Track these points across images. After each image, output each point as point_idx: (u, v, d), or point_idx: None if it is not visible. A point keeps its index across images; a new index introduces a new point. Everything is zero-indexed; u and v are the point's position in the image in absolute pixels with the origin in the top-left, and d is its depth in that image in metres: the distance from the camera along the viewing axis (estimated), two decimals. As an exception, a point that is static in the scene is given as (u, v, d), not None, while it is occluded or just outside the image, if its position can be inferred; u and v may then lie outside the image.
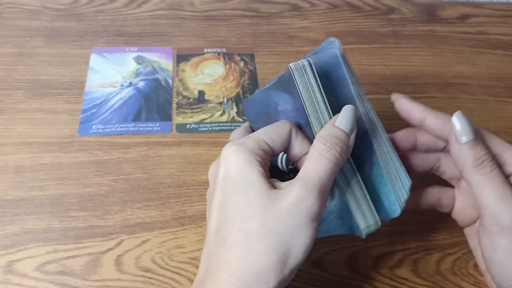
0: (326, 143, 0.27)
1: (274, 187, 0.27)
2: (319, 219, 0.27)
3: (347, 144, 0.28)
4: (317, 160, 0.27)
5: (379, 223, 0.31)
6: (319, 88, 0.30)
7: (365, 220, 0.31)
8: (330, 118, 0.30)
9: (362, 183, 0.31)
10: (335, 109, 0.30)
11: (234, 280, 0.25)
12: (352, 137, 0.29)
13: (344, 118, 0.29)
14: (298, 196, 0.26)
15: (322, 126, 0.30)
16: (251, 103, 0.34)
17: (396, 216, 0.31)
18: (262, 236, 0.25)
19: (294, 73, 0.29)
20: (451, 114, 0.31)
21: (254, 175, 0.27)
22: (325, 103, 0.30)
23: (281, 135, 0.30)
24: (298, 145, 0.30)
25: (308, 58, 0.30)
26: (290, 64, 0.29)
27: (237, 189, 0.27)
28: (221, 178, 0.28)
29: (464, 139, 0.29)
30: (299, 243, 0.26)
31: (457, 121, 0.30)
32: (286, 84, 0.31)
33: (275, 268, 0.25)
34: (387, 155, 0.31)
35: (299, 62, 0.30)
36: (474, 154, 0.29)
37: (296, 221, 0.25)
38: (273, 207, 0.26)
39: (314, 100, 0.30)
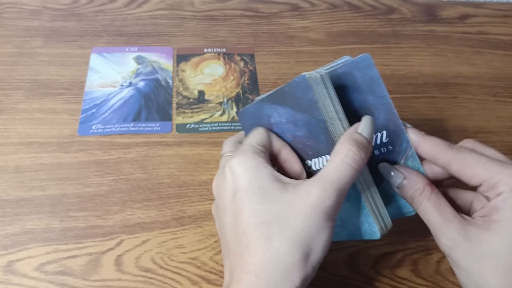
0: (351, 148, 0.27)
1: (284, 182, 0.28)
2: (335, 218, 0.27)
3: (368, 151, 0.28)
4: (340, 165, 0.27)
5: (390, 225, 0.32)
6: (336, 98, 0.30)
7: (379, 221, 0.31)
8: (347, 126, 0.30)
9: (375, 188, 0.31)
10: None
11: (261, 281, 0.25)
12: (371, 146, 0.29)
13: (366, 126, 0.29)
14: (316, 199, 0.26)
15: (341, 133, 0.30)
16: (244, 115, 0.35)
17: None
18: (284, 237, 0.26)
19: (310, 81, 0.29)
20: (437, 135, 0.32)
21: (265, 182, 0.28)
22: (343, 112, 0.30)
23: (263, 135, 0.31)
24: (276, 141, 0.32)
25: (322, 70, 0.31)
26: (304, 74, 0.29)
27: (251, 198, 0.27)
28: (233, 192, 0.28)
29: (396, 185, 0.31)
30: (318, 241, 0.27)
31: (384, 170, 0.32)
32: (283, 96, 0.31)
33: (298, 266, 0.26)
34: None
35: (313, 72, 0.30)
36: (407, 195, 0.31)
37: (315, 221, 0.26)
38: (292, 210, 0.26)
39: (333, 108, 0.30)
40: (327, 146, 0.30)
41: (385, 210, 0.31)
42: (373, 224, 0.31)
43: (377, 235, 0.31)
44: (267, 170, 0.28)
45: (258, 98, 0.35)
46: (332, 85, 0.30)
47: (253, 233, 0.27)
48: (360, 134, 0.29)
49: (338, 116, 0.30)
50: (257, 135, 0.31)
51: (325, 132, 0.30)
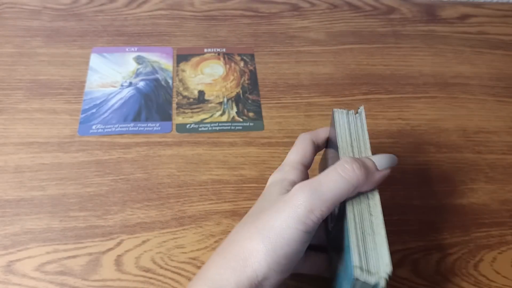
0: (352, 164, 0.28)
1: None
2: (311, 225, 0.27)
3: (370, 174, 0.28)
4: (334, 175, 0.28)
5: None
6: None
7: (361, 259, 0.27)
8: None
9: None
10: None
11: (220, 259, 0.29)
12: (382, 173, 0.29)
13: (383, 157, 0.30)
14: (294, 198, 0.28)
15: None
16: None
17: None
18: (253, 225, 0.29)
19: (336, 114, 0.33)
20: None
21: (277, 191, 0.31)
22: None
23: (306, 150, 0.34)
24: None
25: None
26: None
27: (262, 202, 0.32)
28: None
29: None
30: (283, 237, 0.27)
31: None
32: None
33: (258, 253, 0.27)
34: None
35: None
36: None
37: (285, 218, 0.27)
38: (273, 203, 0.29)
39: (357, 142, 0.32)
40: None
41: None
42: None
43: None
44: (290, 184, 0.31)
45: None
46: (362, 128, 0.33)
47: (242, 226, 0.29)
48: (368, 158, 0.30)
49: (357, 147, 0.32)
50: (301, 151, 0.34)
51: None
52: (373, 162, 0.29)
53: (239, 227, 0.30)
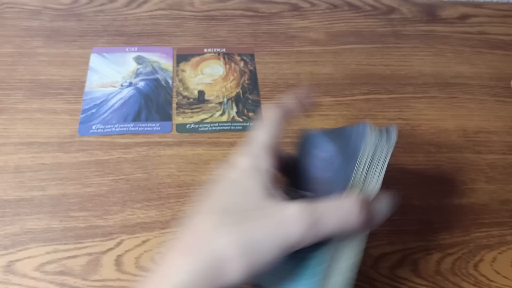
0: (363, 208, 0.27)
1: (274, 193, 0.28)
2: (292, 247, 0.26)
3: (366, 228, 0.29)
4: (338, 218, 0.27)
5: None
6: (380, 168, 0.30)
7: None
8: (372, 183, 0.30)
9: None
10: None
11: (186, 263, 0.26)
12: (379, 223, 0.29)
13: (385, 203, 0.29)
14: (288, 218, 0.26)
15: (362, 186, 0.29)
16: (305, 136, 0.34)
17: None
18: (233, 231, 0.27)
19: (371, 133, 0.29)
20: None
21: (258, 185, 0.29)
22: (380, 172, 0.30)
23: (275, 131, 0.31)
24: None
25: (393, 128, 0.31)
26: (368, 124, 0.30)
27: (235, 188, 0.29)
28: (230, 172, 0.30)
29: None
30: (263, 253, 0.26)
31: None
32: (340, 134, 0.31)
33: (234, 261, 0.26)
34: None
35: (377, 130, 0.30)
36: None
37: (271, 238, 0.26)
38: (258, 214, 0.27)
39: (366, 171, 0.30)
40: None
41: None
42: None
43: None
44: (266, 175, 0.29)
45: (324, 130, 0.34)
46: (386, 154, 0.30)
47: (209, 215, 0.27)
48: (379, 208, 0.29)
49: (365, 182, 0.29)
50: (273, 133, 0.31)
51: (344, 185, 0.29)
52: (382, 214, 0.29)
53: (210, 219, 0.27)
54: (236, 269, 0.26)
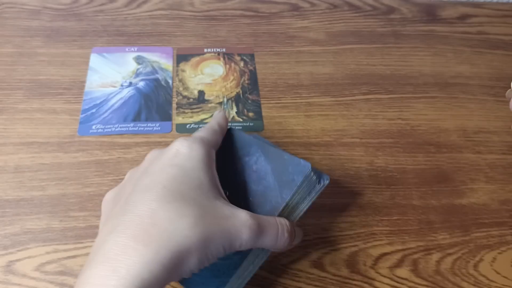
0: (289, 234, 0.31)
1: (220, 193, 0.31)
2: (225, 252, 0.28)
3: (288, 246, 0.32)
4: (273, 237, 0.30)
5: None
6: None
7: None
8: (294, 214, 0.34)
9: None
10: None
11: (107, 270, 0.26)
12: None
13: (299, 233, 0.34)
14: (238, 225, 0.28)
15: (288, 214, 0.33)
16: (233, 134, 0.37)
17: None
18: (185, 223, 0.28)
19: (309, 178, 0.32)
20: None
21: (204, 179, 0.30)
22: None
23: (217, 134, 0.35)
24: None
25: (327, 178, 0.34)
26: (310, 168, 0.32)
27: (183, 178, 0.30)
28: (174, 158, 0.31)
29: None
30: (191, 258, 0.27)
31: None
32: (278, 158, 0.33)
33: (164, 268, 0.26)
34: None
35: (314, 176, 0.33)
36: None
37: (221, 240, 0.27)
38: (206, 216, 0.28)
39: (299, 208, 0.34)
40: (263, 211, 0.32)
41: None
42: None
43: None
44: (214, 172, 0.31)
45: (257, 135, 0.38)
46: (314, 194, 0.34)
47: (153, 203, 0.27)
48: (297, 234, 0.34)
49: (293, 211, 0.33)
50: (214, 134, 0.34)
51: (274, 206, 0.32)
52: (298, 240, 0.34)
53: (164, 207, 0.26)
54: (192, 263, 0.26)
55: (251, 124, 0.46)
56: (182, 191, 0.28)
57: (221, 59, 0.52)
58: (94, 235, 0.37)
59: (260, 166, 0.35)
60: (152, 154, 0.32)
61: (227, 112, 0.47)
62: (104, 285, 0.23)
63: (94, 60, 0.50)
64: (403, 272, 0.37)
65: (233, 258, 0.31)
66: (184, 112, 0.47)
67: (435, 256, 0.38)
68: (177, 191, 0.28)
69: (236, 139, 0.37)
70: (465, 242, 0.39)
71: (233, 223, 0.28)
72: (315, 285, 0.36)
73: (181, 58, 0.52)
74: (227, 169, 0.35)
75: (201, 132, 0.33)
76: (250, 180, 0.35)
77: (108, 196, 0.31)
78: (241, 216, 0.28)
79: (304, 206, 0.34)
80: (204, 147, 0.31)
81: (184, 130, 0.45)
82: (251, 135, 0.37)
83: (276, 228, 0.31)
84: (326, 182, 0.35)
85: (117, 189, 0.32)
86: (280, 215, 0.33)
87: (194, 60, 0.52)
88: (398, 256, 0.38)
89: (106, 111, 0.46)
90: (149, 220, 0.26)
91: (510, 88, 0.32)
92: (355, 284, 0.36)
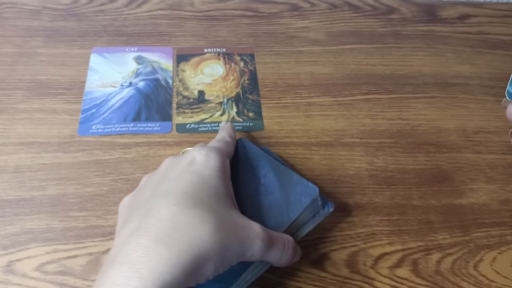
0: (293, 251, 0.33)
1: (234, 204, 0.32)
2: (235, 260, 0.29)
3: (290, 262, 0.34)
4: (280, 252, 0.32)
5: None
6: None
7: None
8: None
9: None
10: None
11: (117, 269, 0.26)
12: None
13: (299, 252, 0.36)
14: (253, 240, 0.29)
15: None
16: (244, 144, 0.38)
17: None
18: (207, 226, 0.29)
19: (315, 202, 0.34)
20: None
21: (221, 188, 0.32)
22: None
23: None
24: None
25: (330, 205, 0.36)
26: (317, 194, 0.34)
27: (202, 186, 0.31)
28: (190, 164, 0.33)
29: None
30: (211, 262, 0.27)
31: None
32: (287, 176, 0.35)
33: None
34: None
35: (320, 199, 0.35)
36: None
37: (236, 249, 0.28)
38: (223, 224, 0.29)
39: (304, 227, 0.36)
40: (268, 225, 0.33)
41: None
42: None
43: None
44: (229, 181, 0.32)
45: (267, 149, 0.40)
46: (318, 219, 0.36)
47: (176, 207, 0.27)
48: (298, 253, 0.35)
49: (296, 230, 0.35)
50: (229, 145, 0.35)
51: (280, 222, 0.33)
52: (297, 258, 0.35)
53: (185, 211, 0.27)
54: (210, 269, 0.26)
55: (251, 124, 0.46)
56: (201, 198, 0.28)
57: (221, 59, 0.52)
58: (94, 235, 0.37)
59: (268, 180, 0.35)
60: (169, 161, 0.33)
61: (227, 112, 0.47)
62: (126, 285, 0.23)
63: (94, 60, 0.50)
64: (403, 272, 0.37)
65: (235, 267, 0.31)
66: (184, 112, 0.47)
67: (435, 256, 0.38)
68: (196, 198, 0.28)
69: (245, 151, 0.38)
70: (465, 242, 0.39)
71: (247, 234, 0.29)
72: (315, 285, 0.36)
73: (181, 58, 0.52)
74: (234, 179, 0.35)
75: (216, 143, 0.34)
76: (257, 193, 0.35)
77: (125, 201, 0.32)
78: (255, 228, 0.29)
79: (306, 228, 0.35)
80: (220, 156, 0.32)
81: (184, 130, 0.45)
82: (260, 147, 0.38)
83: (283, 244, 0.32)
84: (331, 209, 0.36)
85: (134, 194, 0.32)
86: (284, 232, 0.33)
87: (194, 60, 0.52)
88: (398, 256, 0.38)
89: (106, 111, 0.46)
90: (171, 224, 0.26)
91: (505, 98, 0.32)
92: (355, 284, 0.36)
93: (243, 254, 0.28)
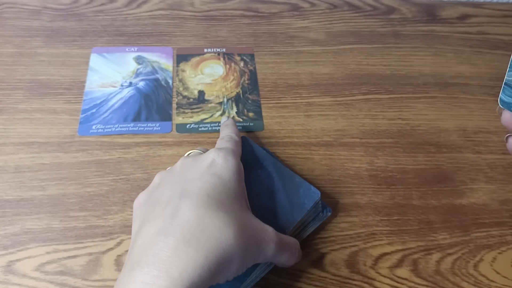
0: (298, 254, 0.34)
1: (248, 205, 0.33)
2: (248, 264, 0.29)
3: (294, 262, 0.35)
4: (289, 245, 0.32)
5: None
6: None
7: None
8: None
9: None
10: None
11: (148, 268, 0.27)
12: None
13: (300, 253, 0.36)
14: (266, 240, 0.30)
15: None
16: (247, 144, 0.38)
17: None
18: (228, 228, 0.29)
19: (315, 206, 0.35)
20: None
21: (240, 189, 0.32)
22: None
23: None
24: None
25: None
26: (319, 197, 0.35)
27: (222, 186, 0.32)
28: (211, 166, 0.33)
29: None
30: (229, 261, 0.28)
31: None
32: (289, 178, 0.35)
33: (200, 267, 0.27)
34: None
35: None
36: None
37: (254, 252, 0.29)
38: (240, 226, 0.29)
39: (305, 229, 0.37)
40: (274, 226, 0.32)
41: None
42: None
43: None
44: (244, 184, 0.32)
45: (267, 150, 0.41)
46: (318, 221, 0.37)
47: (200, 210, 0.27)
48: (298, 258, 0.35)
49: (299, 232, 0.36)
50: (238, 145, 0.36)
51: (284, 224, 0.34)
52: (300, 258, 0.35)
53: (210, 214, 0.27)
54: (231, 271, 0.27)
55: (251, 124, 0.46)
56: (223, 201, 0.29)
57: (221, 59, 0.52)
58: (94, 235, 0.37)
59: (271, 181, 0.36)
60: (185, 161, 0.33)
61: (227, 112, 0.47)
62: (156, 285, 0.24)
63: (94, 60, 0.50)
64: (403, 272, 0.37)
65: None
66: (184, 112, 0.47)
67: (435, 256, 0.38)
68: (218, 200, 0.28)
69: (249, 150, 0.38)
70: (465, 242, 0.39)
71: (263, 237, 0.29)
72: (315, 285, 0.36)
73: (181, 58, 0.52)
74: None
75: (229, 144, 0.34)
76: (261, 193, 0.35)
77: (142, 198, 0.32)
78: (269, 231, 0.30)
79: (307, 231, 0.36)
80: (236, 159, 0.32)
81: (184, 130, 0.45)
82: (263, 147, 0.39)
83: (292, 247, 0.32)
84: (328, 214, 0.37)
85: (150, 191, 0.32)
86: (290, 234, 0.34)
87: (194, 60, 0.52)
88: (398, 256, 0.38)
89: (106, 111, 0.46)
90: (197, 226, 0.26)
91: (499, 105, 0.32)
92: (355, 284, 0.36)
93: (258, 257, 0.29)
